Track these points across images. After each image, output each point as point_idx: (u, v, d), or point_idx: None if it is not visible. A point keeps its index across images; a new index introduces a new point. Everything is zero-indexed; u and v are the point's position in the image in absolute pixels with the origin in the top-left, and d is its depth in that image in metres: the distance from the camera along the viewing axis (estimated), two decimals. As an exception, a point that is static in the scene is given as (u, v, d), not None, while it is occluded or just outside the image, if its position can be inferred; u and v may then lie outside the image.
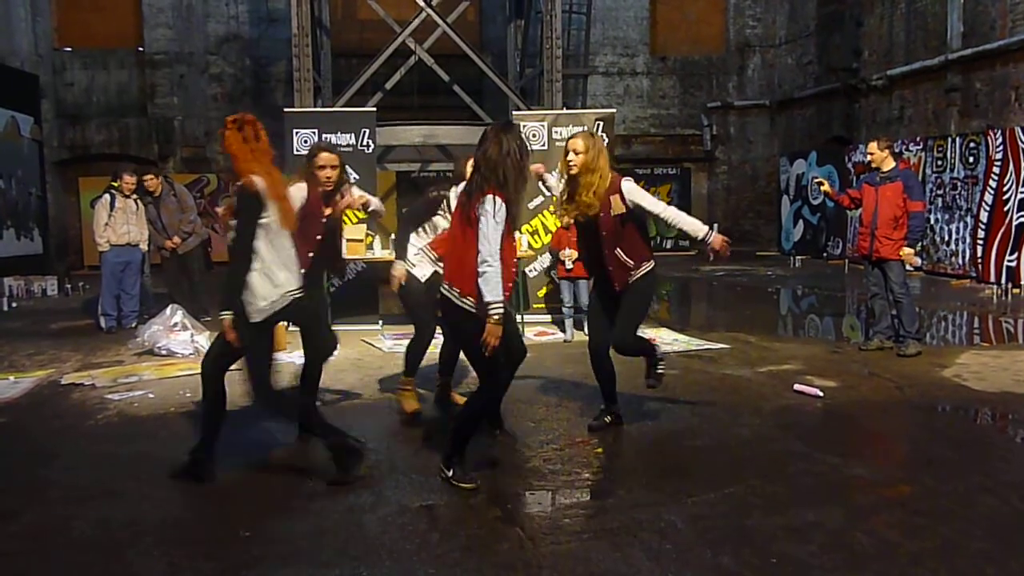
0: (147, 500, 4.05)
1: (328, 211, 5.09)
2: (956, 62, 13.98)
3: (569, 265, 8.24)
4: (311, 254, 4.86)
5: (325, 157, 5.03)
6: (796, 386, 6.10)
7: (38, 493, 4.20)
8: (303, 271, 4.43)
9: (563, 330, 8.48)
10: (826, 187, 7.75)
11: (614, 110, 10.38)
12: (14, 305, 11.84)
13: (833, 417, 5.55)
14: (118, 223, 9.01)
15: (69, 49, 18.34)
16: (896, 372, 6.62)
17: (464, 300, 4.05)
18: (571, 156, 4.78)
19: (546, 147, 9.20)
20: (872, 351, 7.41)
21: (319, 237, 5.00)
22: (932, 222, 13.17)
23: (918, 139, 14.08)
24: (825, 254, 16.77)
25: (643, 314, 5.15)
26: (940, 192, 13.26)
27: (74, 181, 18.12)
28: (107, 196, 9.07)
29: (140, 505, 3.99)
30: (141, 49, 18.63)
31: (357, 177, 9.24)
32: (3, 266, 13.42)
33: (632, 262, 4.89)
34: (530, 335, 8.13)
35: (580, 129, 9.37)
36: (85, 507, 4.00)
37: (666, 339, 8.26)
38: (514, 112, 9.97)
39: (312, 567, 3.33)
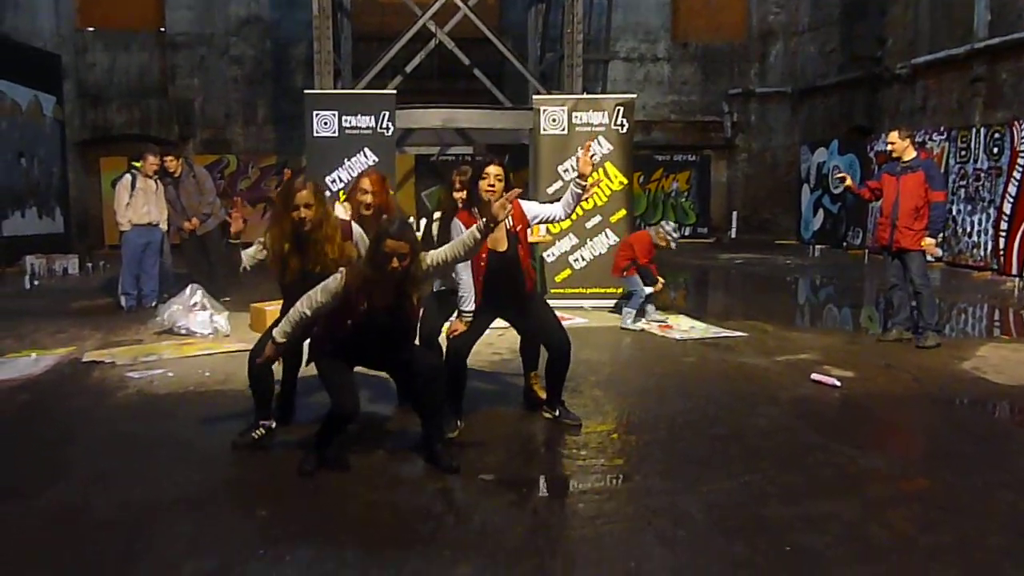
0: (166, 479, 4.09)
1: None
2: (982, 52, 13.80)
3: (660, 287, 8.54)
4: None
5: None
6: (813, 376, 6.08)
7: (59, 473, 4.25)
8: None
9: (638, 316, 8.32)
10: (848, 182, 7.69)
11: (634, 95, 10.30)
12: (36, 283, 11.95)
13: (850, 408, 5.52)
14: (139, 203, 9.06)
15: (91, 30, 18.44)
16: (914, 364, 6.58)
17: None
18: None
19: (566, 132, 9.19)
20: (890, 342, 7.37)
21: None
22: (954, 213, 13.05)
23: (941, 129, 13.92)
24: (845, 244, 16.65)
25: None
26: (963, 183, 13.12)
27: (95, 161, 18.25)
28: (128, 176, 9.12)
29: (159, 484, 4.03)
30: (162, 30, 18.72)
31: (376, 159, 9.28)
32: (25, 244, 13.57)
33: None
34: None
35: (599, 115, 9.35)
36: (105, 486, 4.04)
37: (684, 326, 8.25)
38: (534, 96, 9.94)
39: (328, 547, 3.36)
